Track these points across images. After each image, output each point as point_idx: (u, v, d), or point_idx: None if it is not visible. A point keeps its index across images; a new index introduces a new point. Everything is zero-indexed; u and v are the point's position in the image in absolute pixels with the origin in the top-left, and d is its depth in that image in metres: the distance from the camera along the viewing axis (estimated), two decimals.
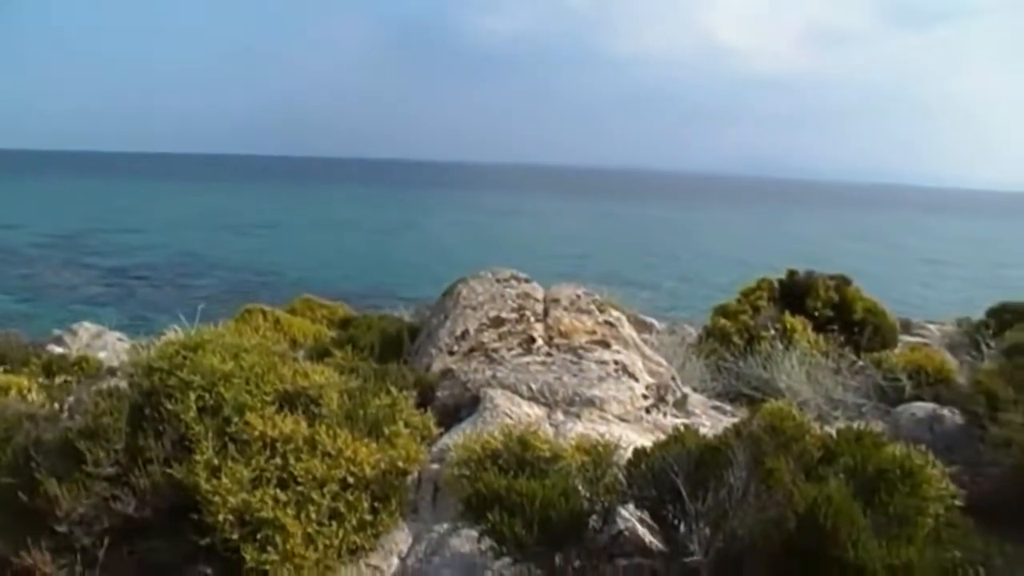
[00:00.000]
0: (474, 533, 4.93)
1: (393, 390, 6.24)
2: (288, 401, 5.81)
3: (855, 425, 5.62)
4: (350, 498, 5.31)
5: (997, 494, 6.62)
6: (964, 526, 4.82)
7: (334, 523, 5.20)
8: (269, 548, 4.94)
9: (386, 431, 5.83)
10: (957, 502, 5.17)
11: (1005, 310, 15.18)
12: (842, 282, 14.11)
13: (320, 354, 9.00)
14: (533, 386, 7.34)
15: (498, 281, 9.95)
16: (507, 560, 4.86)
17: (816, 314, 13.40)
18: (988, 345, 12.51)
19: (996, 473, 6.90)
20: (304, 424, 5.56)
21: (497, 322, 8.78)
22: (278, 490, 5.14)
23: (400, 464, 5.65)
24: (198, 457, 5.26)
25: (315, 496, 5.16)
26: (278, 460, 5.28)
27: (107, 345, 15.65)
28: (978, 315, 15.79)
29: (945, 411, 8.71)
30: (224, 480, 5.09)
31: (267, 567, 4.92)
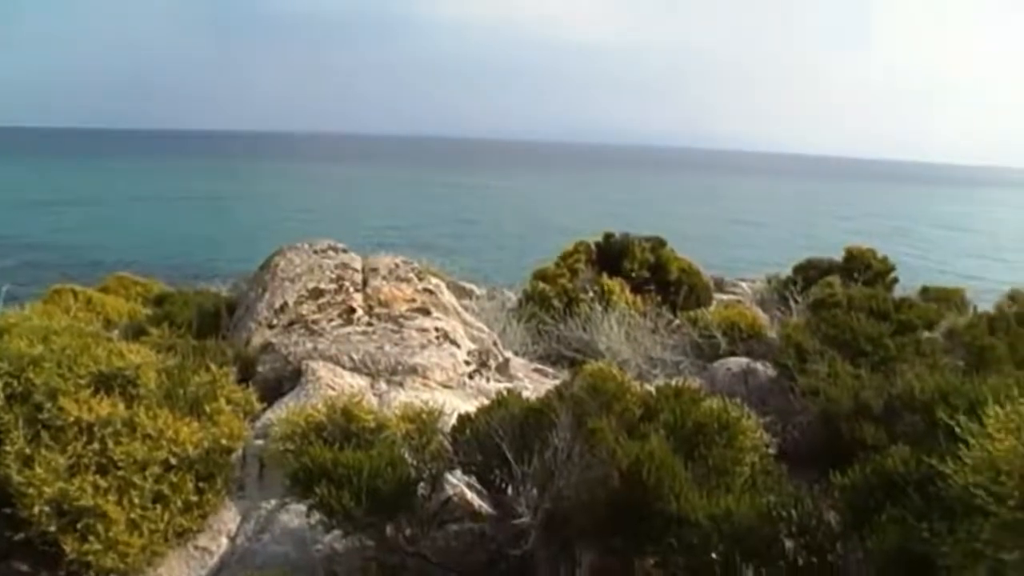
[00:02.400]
0: (303, 508, 4.90)
1: (213, 367, 6.12)
2: (104, 383, 5.62)
3: (674, 382, 5.79)
4: (174, 479, 5.19)
5: (806, 440, 6.94)
6: (778, 472, 5.06)
7: (159, 506, 5.08)
8: (90, 537, 4.79)
9: (207, 409, 5.72)
10: (771, 450, 5.43)
11: (810, 266, 15.90)
12: (657, 244, 14.47)
13: (136, 333, 8.74)
14: (355, 356, 7.32)
15: (316, 252, 9.85)
16: (337, 533, 4.86)
17: (633, 275, 13.70)
18: (796, 300, 13.06)
19: (805, 421, 7.21)
20: (122, 406, 5.39)
21: (316, 293, 8.70)
22: (97, 476, 4.97)
23: (224, 442, 5.56)
24: (8, 448, 5.04)
25: (137, 480, 5.03)
26: (96, 445, 5.11)
27: None
28: (786, 272, 16.47)
29: (758, 365, 9.04)
30: (38, 470, 4.89)
31: (89, 557, 4.78)
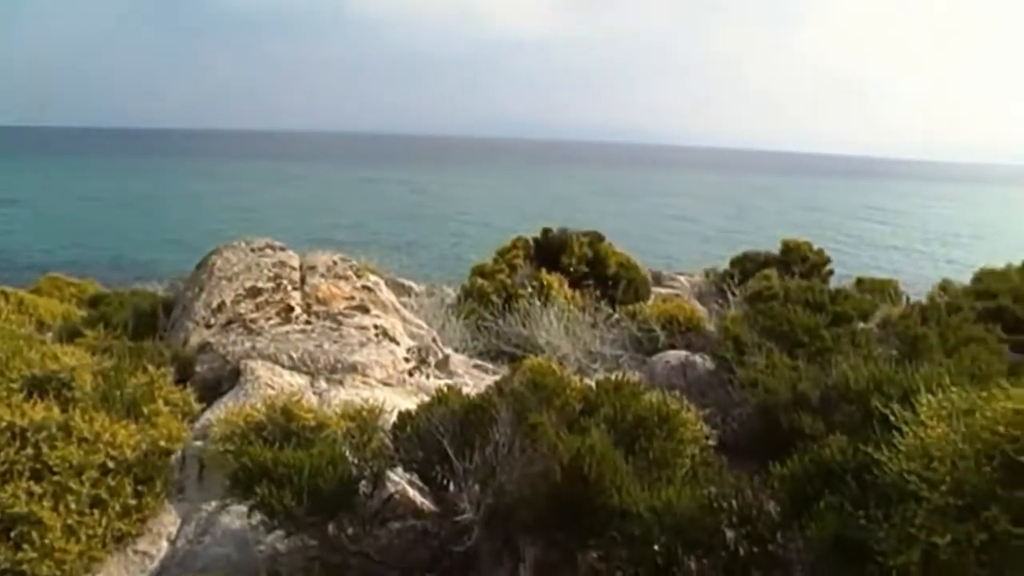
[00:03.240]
0: (244, 508, 4.87)
1: (150, 368, 6.07)
2: (38, 386, 5.54)
3: (613, 376, 5.82)
4: (112, 483, 5.12)
5: (745, 431, 7.02)
6: (717, 464, 5.12)
7: (96, 511, 5.00)
8: (25, 545, 4.69)
9: (145, 411, 5.67)
10: (710, 442, 5.47)
11: (747, 259, 16.11)
12: (595, 238, 14.54)
13: (70, 335, 8.62)
14: (294, 355, 7.28)
15: (253, 250, 9.78)
16: (279, 533, 4.83)
17: (571, 270, 13.78)
18: (733, 293, 13.20)
19: (744, 412, 7.28)
20: (57, 410, 5.32)
21: (254, 292, 8.64)
22: (32, 482, 4.88)
23: (162, 444, 5.51)
24: None
25: (73, 485, 4.94)
26: (30, 450, 5.02)
27: None
28: (723, 265, 16.64)
29: (697, 357, 9.11)
30: None
31: (24, 566, 4.68)
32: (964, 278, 14.58)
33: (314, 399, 6.53)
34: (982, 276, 13.33)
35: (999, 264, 14.24)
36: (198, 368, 7.39)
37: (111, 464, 5.17)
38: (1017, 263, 13.97)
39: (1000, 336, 8.89)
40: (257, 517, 4.71)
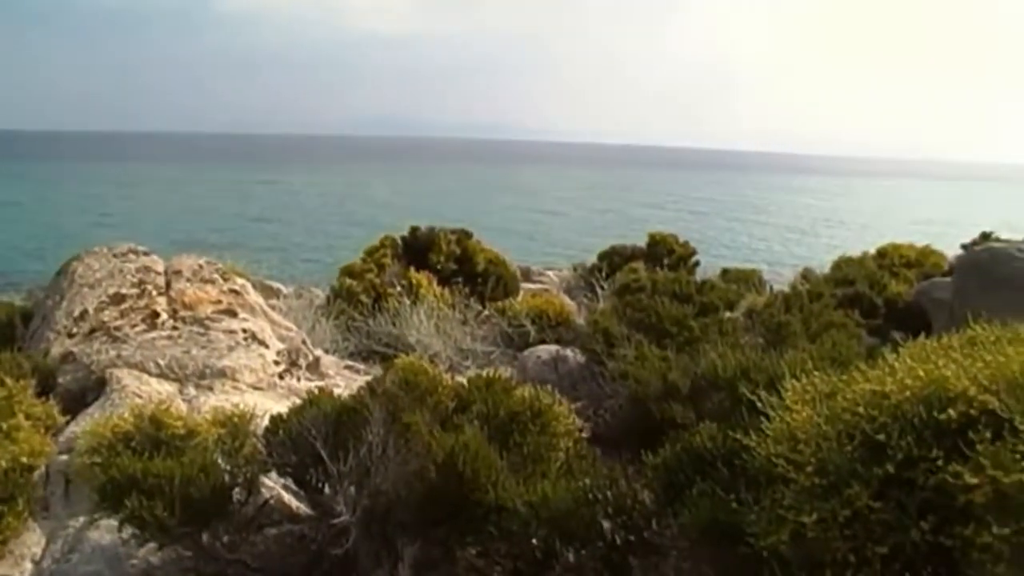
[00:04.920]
0: (114, 523, 4.75)
1: (8, 381, 5.87)
2: None
3: (485, 372, 5.85)
4: None
5: (618, 422, 7.10)
6: (592, 456, 5.18)
7: None
8: None
9: (4, 426, 5.48)
10: (584, 434, 5.55)
11: (615, 253, 16.35)
12: (463, 236, 14.55)
13: None
14: (161, 362, 7.15)
15: (115, 256, 9.53)
16: (152, 546, 4.74)
17: (440, 268, 13.76)
18: (602, 287, 13.37)
19: (616, 404, 7.37)
20: None
21: (117, 299, 8.43)
22: None
23: (24, 460, 5.33)
24: None
25: None
26: None
27: None
28: (592, 259, 16.84)
29: (568, 351, 9.19)
30: None
31: None
32: (825, 265, 15.01)
33: (183, 406, 6.42)
34: (840, 263, 13.74)
35: (856, 251, 14.70)
36: (61, 379, 7.19)
37: None
38: (873, 250, 14.45)
39: (858, 321, 9.21)
40: (128, 530, 4.60)
